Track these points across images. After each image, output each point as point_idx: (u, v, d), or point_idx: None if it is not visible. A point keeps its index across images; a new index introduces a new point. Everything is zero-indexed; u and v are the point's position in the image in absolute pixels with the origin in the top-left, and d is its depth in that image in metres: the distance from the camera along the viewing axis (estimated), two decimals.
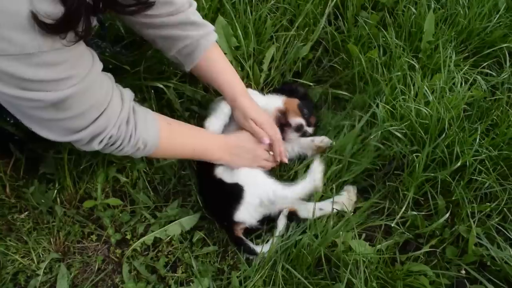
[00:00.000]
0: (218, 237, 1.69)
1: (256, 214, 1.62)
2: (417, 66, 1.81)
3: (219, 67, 1.64)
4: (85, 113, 1.24)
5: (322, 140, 1.76)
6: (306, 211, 1.61)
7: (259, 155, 1.67)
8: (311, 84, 1.95)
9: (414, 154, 1.63)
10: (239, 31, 1.88)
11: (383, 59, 1.86)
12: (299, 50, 1.98)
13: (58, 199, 1.73)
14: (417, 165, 1.59)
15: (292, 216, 1.63)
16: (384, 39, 1.93)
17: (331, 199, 1.61)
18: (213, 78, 1.65)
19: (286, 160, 1.70)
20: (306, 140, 1.77)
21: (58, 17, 1.01)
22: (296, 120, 1.74)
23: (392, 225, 1.56)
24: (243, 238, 1.61)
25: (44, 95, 1.12)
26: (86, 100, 1.22)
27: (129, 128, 1.33)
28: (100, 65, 1.27)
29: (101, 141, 1.29)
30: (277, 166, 1.75)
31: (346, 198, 1.63)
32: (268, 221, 1.65)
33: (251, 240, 1.64)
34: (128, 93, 1.38)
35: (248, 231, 1.65)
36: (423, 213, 1.62)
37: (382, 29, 1.95)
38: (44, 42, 1.04)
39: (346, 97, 1.92)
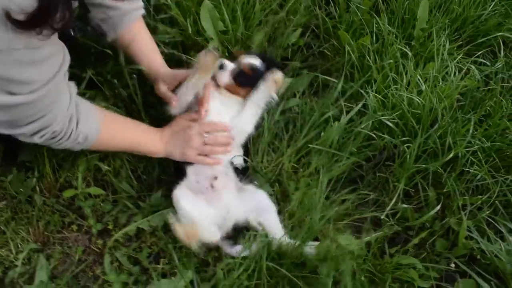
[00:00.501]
0: None
1: None
2: (410, 54, 1.77)
3: (141, 42, 1.62)
4: (35, 113, 1.20)
5: (275, 74, 1.55)
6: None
7: (192, 139, 1.53)
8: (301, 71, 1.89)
9: (405, 145, 1.59)
10: (226, 15, 1.81)
11: (375, 46, 1.81)
12: (289, 36, 1.92)
13: (37, 188, 1.66)
14: (408, 156, 1.55)
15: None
16: (376, 25, 1.87)
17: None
18: (134, 52, 1.61)
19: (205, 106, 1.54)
20: (261, 88, 1.56)
21: (33, 10, 0.95)
22: (246, 60, 1.59)
23: (382, 217, 1.52)
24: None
25: (8, 98, 1.10)
26: (39, 104, 1.18)
27: (72, 124, 1.31)
28: (66, 64, 1.23)
29: (43, 135, 1.27)
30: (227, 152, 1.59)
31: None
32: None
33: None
34: (74, 88, 1.35)
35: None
36: (413, 205, 1.58)
37: (375, 15, 1.89)
38: (17, 38, 0.98)
39: (336, 85, 1.87)
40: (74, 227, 1.64)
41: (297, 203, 1.56)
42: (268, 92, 1.57)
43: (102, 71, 1.59)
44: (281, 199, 1.63)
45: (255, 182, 1.61)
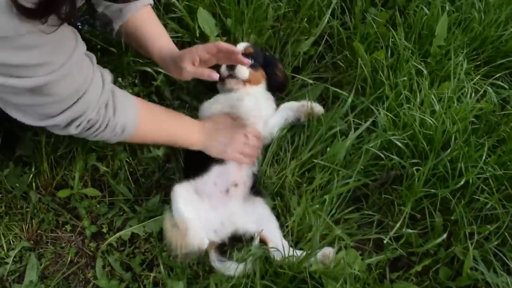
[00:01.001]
0: None
1: None
2: (425, 71, 1.70)
3: (150, 26, 1.54)
4: (63, 99, 1.16)
5: (317, 107, 1.68)
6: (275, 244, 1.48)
7: (237, 138, 1.56)
8: (310, 81, 1.83)
9: (414, 167, 1.53)
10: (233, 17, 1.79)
11: (390, 61, 1.75)
12: (301, 44, 1.86)
13: (33, 184, 1.63)
14: (416, 179, 1.49)
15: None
16: (392, 40, 1.81)
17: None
18: (142, 38, 1.52)
19: (246, 62, 1.41)
20: (295, 104, 1.69)
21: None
22: (239, 46, 1.65)
23: (385, 241, 1.46)
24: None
25: (19, 81, 1.04)
26: (64, 87, 1.13)
27: (108, 112, 1.25)
28: (82, 47, 1.18)
29: (78, 125, 1.22)
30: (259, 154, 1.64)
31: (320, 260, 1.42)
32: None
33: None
34: (108, 75, 1.29)
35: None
36: (419, 230, 1.52)
37: (391, 29, 1.82)
38: (21, 24, 0.94)
39: (346, 98, 1.81)
40: (68, 227, 1.61)
41: (298, 219, 1.50)
42: (300, 110, 1.67)
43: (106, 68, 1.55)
44: (282, 214, 1.58)
45: (263, 194, 1.59)
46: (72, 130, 1.22)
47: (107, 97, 1.24)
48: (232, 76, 1.62)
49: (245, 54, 1.57)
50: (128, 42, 1.61)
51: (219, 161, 1.56)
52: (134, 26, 1.52)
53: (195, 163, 1.59)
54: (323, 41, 1.90)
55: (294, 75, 1.84)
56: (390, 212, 1.58)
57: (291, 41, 1.84)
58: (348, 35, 1.89)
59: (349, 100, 1.66)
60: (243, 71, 1.62)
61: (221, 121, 1.59)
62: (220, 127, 1.57)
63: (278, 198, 1.58)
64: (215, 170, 1.55)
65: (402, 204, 1.51)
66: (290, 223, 1.52)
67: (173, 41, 1.57)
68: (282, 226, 1.53)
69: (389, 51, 1.79)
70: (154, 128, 1.43)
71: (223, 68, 1.62)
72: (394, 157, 1.55)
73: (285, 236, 1.51)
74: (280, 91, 1.79)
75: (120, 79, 1.65)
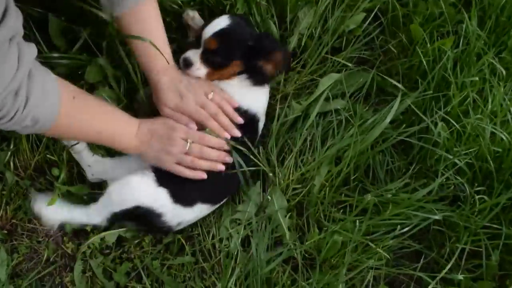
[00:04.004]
0: (201, 246, 1.33)
1: None
2: (502, 71, 1.34)
3: (147, 27, 1.23)
4: None
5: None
6: None
7: (173, 139, 1.24)
8: (350, 65, 1.49)
9: (475, 192, 1.21)
10: None
11: (456, 53, 1.39)
12: (345, 20, 1.51)
13: (11, 164, 1.38)
14: (477, 210, 1.18)
15: None
16: (461, 24, 1.44)
17: None
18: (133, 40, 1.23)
19: (237, 133, 1.29)
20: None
21: None
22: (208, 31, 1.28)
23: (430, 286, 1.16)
24: None
25: None
26: None
27: (17, 102, 0.94)
28: (7, 19, 0.85)
29: None
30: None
31: None
32: None
33: None
34: (29, 53, 0.96)
35: None
36: (469, 265, 1.23)
37: (464, 10, 1.45)
38: None
39: (395, 92, 1.48)
40: None
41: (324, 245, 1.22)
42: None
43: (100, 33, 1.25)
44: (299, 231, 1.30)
45: None
46: None
47: (19, 82, 0.93)
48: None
49: (210, 48, 1.27)
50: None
51: None
52: (128, 26, 1.23)
53: None
54: (371, 17, 1.53)
55: (329, 56, 1.50)
56: (435, 241, 1.29)
57: (335, 17, 1.49)
58: (405, 14, 1.52)
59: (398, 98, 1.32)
60: (198, 72, 1.30)
61: (160, 122, 1.26)
62: (157, 127, 1.25)
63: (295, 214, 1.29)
64: None
65: (455, 240, 1.20)
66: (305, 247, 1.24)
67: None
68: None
69: (455, 40, 1.44)
70: (76, 125, 1.14)
71: (180, 60, 1.30)
72: (451, 175, 1.23)
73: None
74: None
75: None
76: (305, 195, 1.33)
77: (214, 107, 1.28)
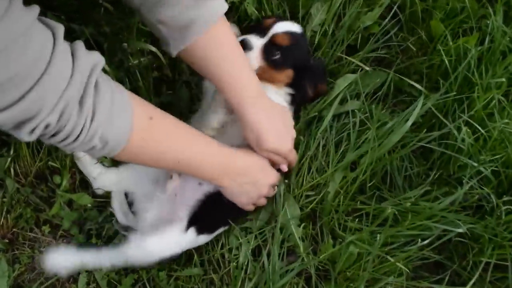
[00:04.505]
0: (209, 256, 1.27)
1: None
2: None
3: (222, 53, 1.06)
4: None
5: None
6: None
7: (262, 184, 1.18)
8: (367, 68, 1.41)
9: (501, 202, 1.13)
10: None
11: (480, 51, 1.30)
12: (361, 16, 1.43)
13: (12, 171, 1.32)
14: (502, 221, 1.10)
15: None
16: (485, 20, 1.36)
17: None
18: (210, 70, 1.08)
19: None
20: None
21: None
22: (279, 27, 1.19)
23: None
24: None
25: None
26: None
27: (82, 115, 0.80)
28: (29, 11, 0.71)
29: (32, 131, 0.78)
30: None
31: None
32: None
33: None
34: (93, 57, 0.83)
35: None
36: (493, 279, 1.16)
37: (488, 5, 1.36)
38: None
39: (414, 92, 1.40)
40: (46, 228, 1.31)
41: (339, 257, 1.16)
42: None
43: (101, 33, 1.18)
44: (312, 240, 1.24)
45: None
46: (25, 136, 0.79)
47: (79, 90, 0.79)
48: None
49: (279, 42, 1.17)
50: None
51: None
52: (198, 55, 1.07)
53: None
54: (390, 14, 1.45)
55: (344, 56, 1.42)
56: (456, 252, 1.22)
57: (350, 13, 1.40)
58: (424, 9, 1.43)
59: (421, 100, 1.23)
60: (252, 60, 1.17)
61: (256, 167, 1.17)
62: (251, 173, 1.15)
63: (310, 223, 1.23)
64: None
65: (479, 252, 1.13)
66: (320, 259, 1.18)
67: None
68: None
69: (479, 37, 1.35)
70: (153, 148, 0.98)
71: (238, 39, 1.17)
72: (476, 184, 1.15)
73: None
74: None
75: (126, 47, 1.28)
76: (318, 203, 1.27)
77: None
